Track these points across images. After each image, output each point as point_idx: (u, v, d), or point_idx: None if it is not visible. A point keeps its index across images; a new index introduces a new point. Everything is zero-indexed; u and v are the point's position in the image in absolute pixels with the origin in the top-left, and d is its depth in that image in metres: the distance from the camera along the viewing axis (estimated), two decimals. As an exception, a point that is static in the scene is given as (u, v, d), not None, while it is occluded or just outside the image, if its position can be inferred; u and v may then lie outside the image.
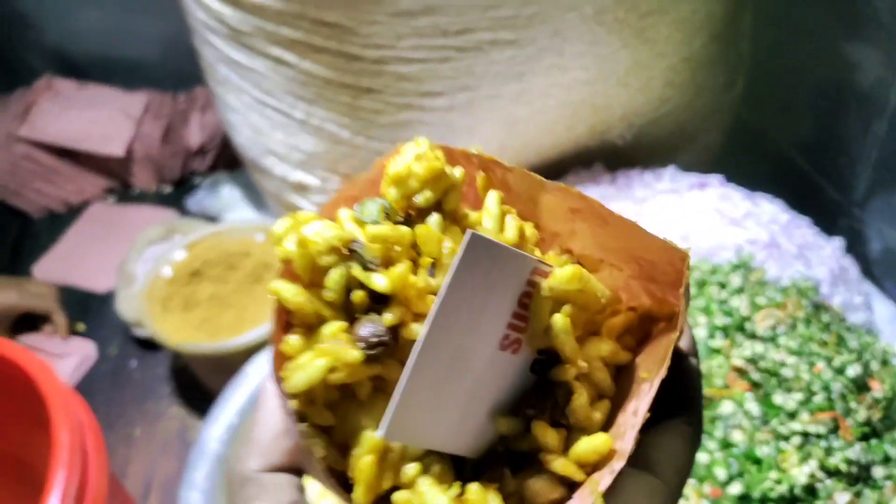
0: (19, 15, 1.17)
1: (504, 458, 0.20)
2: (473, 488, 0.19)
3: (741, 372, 0.50)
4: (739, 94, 0.79)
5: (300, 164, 0.70)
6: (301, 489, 0.22)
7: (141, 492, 0.78)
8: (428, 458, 0.20)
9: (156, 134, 1.12)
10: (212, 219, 1.03)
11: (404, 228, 0.20)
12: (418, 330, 0.19)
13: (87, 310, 0.99)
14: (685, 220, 0.58)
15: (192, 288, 0.81)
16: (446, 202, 0.21)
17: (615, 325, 0.21)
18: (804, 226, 0.60)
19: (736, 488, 0.46)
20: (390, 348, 0.19)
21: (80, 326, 0.96)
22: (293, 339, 0.20)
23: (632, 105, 0.65)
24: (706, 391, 0.49)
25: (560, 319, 0.19)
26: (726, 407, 0.49)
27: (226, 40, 0.64)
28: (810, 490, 0.47)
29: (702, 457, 0.48)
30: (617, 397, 0.21)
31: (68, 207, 1.12)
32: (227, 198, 1.04)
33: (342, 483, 0.20)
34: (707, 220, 0.58)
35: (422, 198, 0.21)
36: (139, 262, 0.94)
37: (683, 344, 0.22)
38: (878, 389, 0.52)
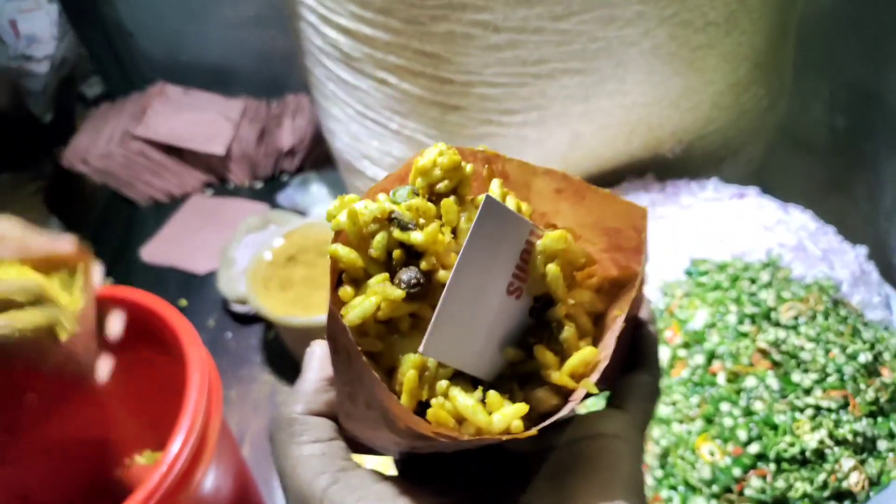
0: (136, 29, 1.32)
1: (512, 378, 0.25)
2: (492, 393, 0.23)
3: (764, 353, 0.58)
4: (781, 115, 0.87)
5: (391, 167, 0.81)
6: (336, 430, 0.26)
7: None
8: (455, 378, 0.24)
9: (252, 136, 1.25)
10: (300, 212, 1.14)
11: (430, 204, 0.25)
12: (446, 276, 0.23)
13: (188, 288, 1.12)
14: (724, 224, 0.65)
15: (288, 270, 0.93)
16: (460, 188, 0.26)
17: (591, 285, 0.27)
18: (830, 233, 0.67)
19: (754, 448, 0.54)
20: (425, 289, 0.24)
21: (183, 302, 1.10)
22: (348, 288, 0.24)
23: (682, 124, 0.73)
24: (734, 367, 0.58)
25: (553, 268, 0.24)
26: (750, 381, 0.57)
27: (337, 63, 0.75)
28: (820, 454, 0.55)
29: (726, 421, 0.57)
30: (595, 339, 0.26)
31: (171, 198, 1.26)
32: (315, 194, 1.15)
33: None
34: (743, 225, 0.65)
35: (442, 185, 0.25)
36: (239, 247, 1.05)
37: (644, 314, 0.27)
38: (887, 376, 0.59)
